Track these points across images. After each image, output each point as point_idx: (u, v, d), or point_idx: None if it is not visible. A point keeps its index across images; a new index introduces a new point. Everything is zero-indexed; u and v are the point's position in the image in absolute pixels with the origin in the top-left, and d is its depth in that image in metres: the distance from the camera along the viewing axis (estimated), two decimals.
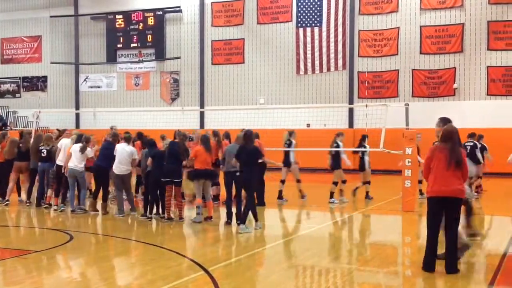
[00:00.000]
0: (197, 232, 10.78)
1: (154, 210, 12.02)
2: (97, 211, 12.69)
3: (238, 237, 10.21)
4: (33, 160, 13.64)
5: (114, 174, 12.41)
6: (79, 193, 12.82)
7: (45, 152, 13.28)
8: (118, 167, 12.33)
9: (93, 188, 13.25)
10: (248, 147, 10.52)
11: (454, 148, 7.31)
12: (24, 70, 33.02)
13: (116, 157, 12.32)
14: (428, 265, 7.36)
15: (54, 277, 7.51)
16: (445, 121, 7.96)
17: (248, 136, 10.62)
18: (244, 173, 10.47)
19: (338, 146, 14.62)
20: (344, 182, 14.66)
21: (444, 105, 24.04)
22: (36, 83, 32.70)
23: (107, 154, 12.56)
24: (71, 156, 12.45)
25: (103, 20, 30.57)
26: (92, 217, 12.31)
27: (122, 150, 12.37)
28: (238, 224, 10.53)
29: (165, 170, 11.56)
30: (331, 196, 14.41)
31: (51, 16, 31.45)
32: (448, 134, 7.45)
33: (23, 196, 14.39)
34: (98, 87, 31.26)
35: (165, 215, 11.71)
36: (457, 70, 24.13)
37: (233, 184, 11.23)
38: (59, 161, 12.94)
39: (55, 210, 12.89)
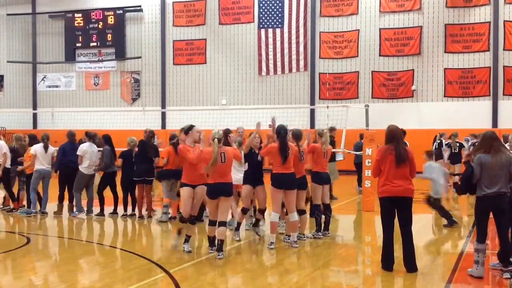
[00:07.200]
0: (161, 232, 10.70)
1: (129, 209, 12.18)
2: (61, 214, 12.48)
3: (202, 238, 10.18)
4: None
5: (82, 174, 12.17)
6: (44, 196, 12.46)
7: None
8: (89, 168, 12.17)
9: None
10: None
11: (399, 147, 7.45)
12: None
13: (85, 158, 12.08)
14: (387, 264, 7.48)
15: (11, 280, 7.32)
16: None
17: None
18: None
19: None
20: None
21: (403, 106, 24.50)
22: None
23: (73, 154, 12.27)
24: (36, 158, 12.13)
25: (62, 18, 29.98)
26: (51, 219, 12.04)
27: (92, 151, 12.19)
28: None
29: (137, 170, 11.51)
30: None
31: (7, 14, 30.67)
32: (390, 134, 7.57)
33: None
34: (57, 86, 30.65)
35: (136, 213, 11.83)
36: (415, 72, 24.57)
37: None
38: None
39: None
